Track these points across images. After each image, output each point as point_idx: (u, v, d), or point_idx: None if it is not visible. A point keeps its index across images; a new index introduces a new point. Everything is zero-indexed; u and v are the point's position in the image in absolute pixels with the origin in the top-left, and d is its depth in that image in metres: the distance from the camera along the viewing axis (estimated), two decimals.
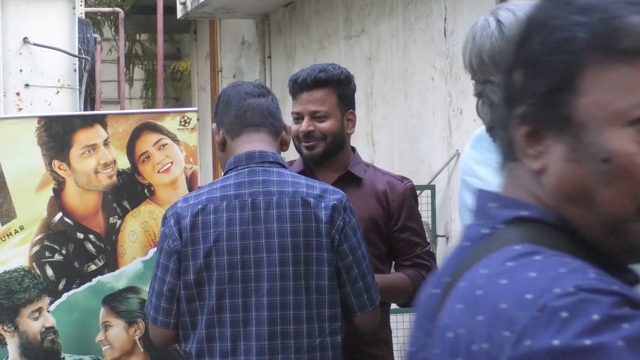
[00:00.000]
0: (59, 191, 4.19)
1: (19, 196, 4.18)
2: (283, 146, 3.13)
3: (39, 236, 4.18)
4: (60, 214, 4.20)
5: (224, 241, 2.87)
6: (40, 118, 4.27)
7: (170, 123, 4.25)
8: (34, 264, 4.18)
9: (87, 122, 4.26)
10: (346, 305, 2.97)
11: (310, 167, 3.53)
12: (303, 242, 2.89)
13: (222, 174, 3.13)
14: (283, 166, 3.04)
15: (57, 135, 4.18)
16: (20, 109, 7.93)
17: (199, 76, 14.28)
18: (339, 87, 3.50)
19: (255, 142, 3.03)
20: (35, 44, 7.99)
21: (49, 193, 4.19)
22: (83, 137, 4.20)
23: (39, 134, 4.18)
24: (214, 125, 3.14)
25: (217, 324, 2.87)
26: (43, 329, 4.18)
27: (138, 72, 16.50)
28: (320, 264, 2.90)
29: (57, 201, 4.20)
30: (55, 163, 4.18)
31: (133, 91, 16.59)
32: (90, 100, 8.88)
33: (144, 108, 14.84)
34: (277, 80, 10.81)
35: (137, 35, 15.91)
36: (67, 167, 4.19)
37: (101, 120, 4.26)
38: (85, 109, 8.42)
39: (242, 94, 3.08)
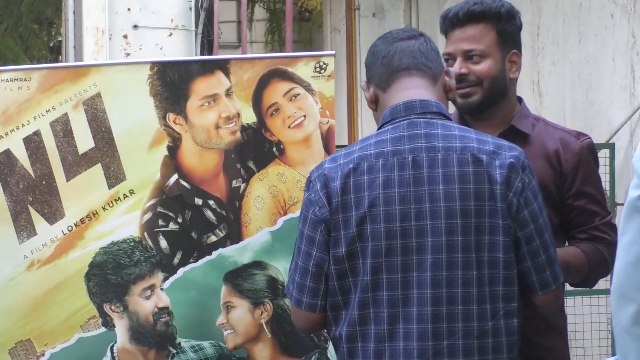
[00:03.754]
0: (174, 149, 4.25)
1: (128, 155, 4.25)
2: (448, 93, 3.06)
3: (152, 202, 4.25)
4: (175, 176, 4.25)
5: (381, 206, 2.82)
6: (153, 64, 4.30)
7: (304, 69, 4.24)
8: (145, 234, 4.25)
9: (206, 68, 4.27)
10: (525, 282, 2.88)
11: (467, 121, 3.45)
12: (474, 207, 2.81)
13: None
14: (448, 118, 2.97)
15: (172, 84, 4.22)
16: (128, 54, 8.04)
17: (332, 15, 14.28)
18: (499, 21, 3.42)
19: (410, 89, 2.97)
20: None
21: (162, 151, 4.25)
22: (202, 86, 4.23)
23: (152, 83, 4.23)
24: (363, 82, 3.12)
25: (372, 303, 2.83)
26: (156, 310, 4.26)
27: (259, 12, 16.61)
28: (494, 233, 2.81)
29: (172, 161, 4.25)
30: (170, 116, 4.23)
31: (254, 34, 16.74)
32: (207, 43, 8.97)
33: (268, 52, 14.93)
34: (424, 20, 10.73)
35: None
36: (184, 121, 4.23)
37: (223, 66, 4.27)
38: (202, 54, 8.50)
39: (389, 40, 3.05)
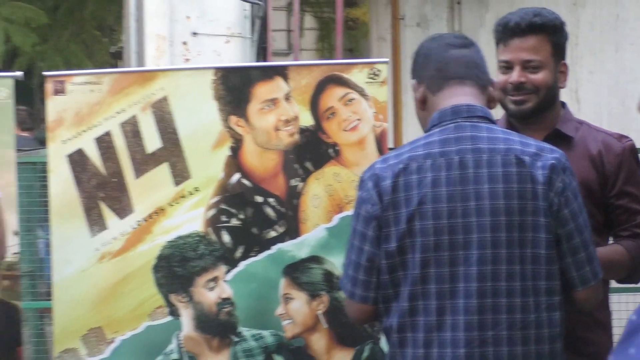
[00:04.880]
0: (236, 150, 4.27)
1: (193, 155, 4.27)
2: (490, 103, 3.07)
3: (215, 199, 4.27)
4: (237, 175, 4.27)
5: (430, 204, 2.83)
6: (217, 69, 4.32)
7: (358, 76, 4.25)
8: (209, 229, 4.28)
9: (267, 74, 4.29)
10: (566, 278, 2.88)
11: (513, 125, 3.46)
12: (518, 206, 2.82)
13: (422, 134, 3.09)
14: (493, 122, 2.98)
15: (234, 88, 4.25)
16: (187, 60, 8.08)
17: (378, 25, 14.24)
18: (554, 34, 3.43)
19: (460, 96, 2.97)
20: None
21: (225, 152, 4.27)
22: (263, 91, 4.25)
23: (215, 87, 4.25)
24: (413, 81, 3.10)
25: (422, 295, 2.84)
26: (219, 300, 4.28)
27: (308, 21, 16.62)
28: (537, 230, 2.82)
29: (235, 161, 4.27)
30: (233, 119, 4.25)
31: (303, 41, 16.73)
32: (262, 50, 8.99)
33: (320, 59, 14.94)
34: (467, 29, 10.68)
35: None
36: (246, 123, 4.25)
37: (282, 72, 4.28)
38: (257, 61, 8.53)
39: (444, 46, 3.03)
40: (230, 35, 8.23)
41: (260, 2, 8.52)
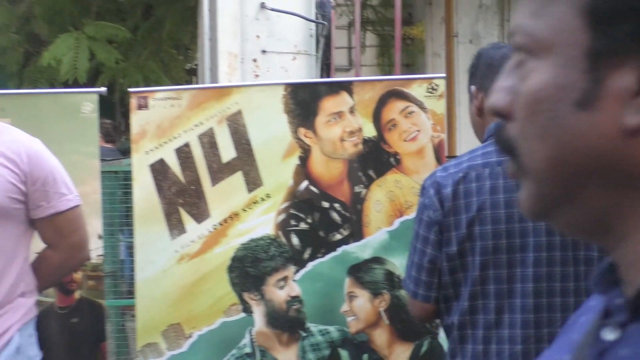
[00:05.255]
0: (304, 159, 4.31)
1: (265, 164, 4.32)
2: None
3: (285, 204, 4.32)
4: (306, 182, 4.32)
5: (488, 209, 2.82)
6: (287, 85, 4.38)
7: (418, 90, 4.28)
8: (279, 232, 4.32)
9: (333, 89, 4.34)
10: None
11: None
12: None
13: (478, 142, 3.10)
14: None
15: (303, 102, 4.29)
16: (257, 76, 8.14)
17: (433, 42, 14.24)
18: None
19: None
20: (272, 9, 8.17)
21: (294, 161, 4.32)
22: (329, 105, 4.29)
23: (285, 101, 4.30)
24: (473, 88, 3.06)
25: (481, 295, 2.84)
26: (289, 298, 4.32)
27: (368, 38, 16.63)
28: None
29: (303, 169, 4.31)
30: (301, 131, 4.30)
31: (363, 58, 16.74)
32: (325, 66, 9.03)
33: (377, 75, 14.96)
34: None
35: None
36: (313, 134, 4.29)
37: (347, 87, 4.33)
38: (321, 76, 8.57)
39: (505, 56, 2.95)
40: (296, 53, 8.26)
41: (324, 22, 8.55)
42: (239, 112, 4.32)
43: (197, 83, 10.65)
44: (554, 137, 0.89)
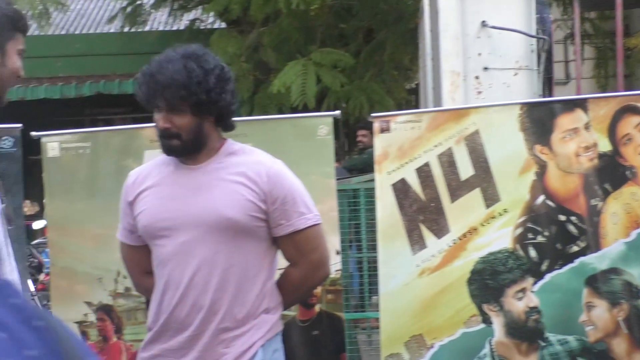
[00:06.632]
0: (540, 174, 4.44)
1: (502, 180, 4.48)
2: None
3: (522, 218, 4.46)
4: (542, 197, 4.45)
5: None
6: (522, 104, 4.54)
7: None
8: (517, 245, 4.46)
9: (567, 106, 4.47)
10: None
11: None
12: None
13: None
14: None
15: (538, 120, 4.43)
16: (479, 92, 8.25)
17: None
18: None
19: None
20: (493, 27, 8.28)
21: (531, 176, 4.45)
22: (564, 122, 4.41)
23: (521, 120, 4.45)
24: None
25: None
26: (527, 309, 4.45)
27: (585, 51, 16.43)
28: None
29: (539, 184, 4.44)
30: (537, 147, 4.43)
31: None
32: (546, 81, 9.04)
33: (595, 88, 14.81)
34: None
35: (585, 12, 15.84)
36: (549, 151, 4.42)
37: (582, 104, 4.45)
38: (543, 92, 8.63)
39: None
40: (518, 68, 8.34)
41: (546, 37, 8.62)
42: (477, 132, 4.49)
43: (418, 102, 10.88)
44: None
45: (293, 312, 4.78)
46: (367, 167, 9.01)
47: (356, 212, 6.42)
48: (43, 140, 4.93)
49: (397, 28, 10.32)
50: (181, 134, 2.92)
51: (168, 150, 2.98)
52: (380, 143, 4.59)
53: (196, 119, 2.93)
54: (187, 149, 2.96)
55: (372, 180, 6.59)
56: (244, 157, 3.01)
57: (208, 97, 2.91)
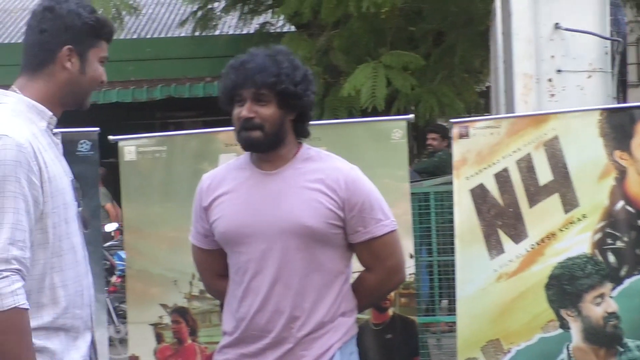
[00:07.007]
0: (620, 180, 4.44)
1: (581, 186, 4.47)
2: None
3: (601, 224, 4.45)
4: (621, 202, 4.44)
5: None
6: (602, 110, 4.53)
7: None
8: (596, 250, 4.46)
9: None
10: None
11: None
12: None
13: None
14: None
15: (618, 126, 4.43)
16: (553, 95, 8.17)
17: None
18: None
19: None
20: (566, 29, 8.20)
21: (610, 182, 4.44)
22: None
23: (601, 126, 4.45)
24: None
25: None
26: (605, 314, 4.43)
27: None
28: None
29: (619, 190, 4.44)
30: (617, 153, 4.43)
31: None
32: (620, 83, 8.94)
33: None
34: None
35: None
36: (629, 156, 4.42)
37: None
38: (617, 93, 8.54)
39: None
40: (592, 71, 8.25)
41: (620, 40, 8.54)
42: (556, 138, 4.50)
43: (488, 105, 10.84)
44: None
45: (366, 315, 4.79)
46: (437, 170, 9.01)
47: (426, 215, 6.43)
48: (120, 144, 5.01)
49: (468, 31, 10.27)
50: (264, 125, 2.93)
51: (248, 144, 2.98)
52: (458, 149, 4.62)
53: (280, 113, 2.94)
54: (268, 143, 2.95)
55: (443, 184, 6.62)
56: (321, 163, 3.01)
57: (295, 89, 2.92)
